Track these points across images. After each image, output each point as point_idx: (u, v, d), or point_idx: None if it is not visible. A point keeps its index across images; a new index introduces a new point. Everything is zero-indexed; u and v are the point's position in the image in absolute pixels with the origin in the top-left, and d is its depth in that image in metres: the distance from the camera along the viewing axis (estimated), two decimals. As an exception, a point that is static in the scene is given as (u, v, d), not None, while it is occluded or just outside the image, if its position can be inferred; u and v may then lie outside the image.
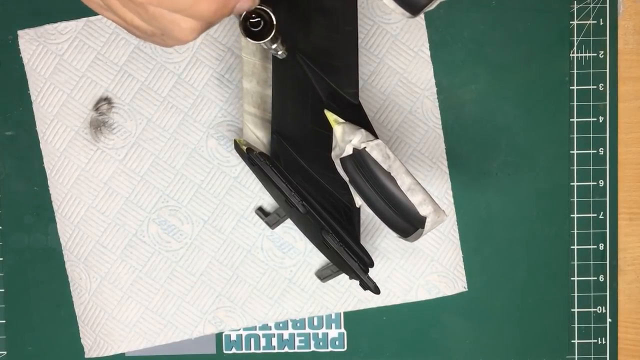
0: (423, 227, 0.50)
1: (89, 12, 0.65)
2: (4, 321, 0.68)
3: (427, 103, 0.66)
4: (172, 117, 0.66)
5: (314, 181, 0.59)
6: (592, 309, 0.69)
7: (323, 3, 0.52)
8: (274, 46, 0.50)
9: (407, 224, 0.51)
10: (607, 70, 0.67)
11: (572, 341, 0.69)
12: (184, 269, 0.67)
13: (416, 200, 0.50)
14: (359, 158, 0.51)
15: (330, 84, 0.54)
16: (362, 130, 0.51)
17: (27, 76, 0.66)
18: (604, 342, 0.69)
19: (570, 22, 0.67)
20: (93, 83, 0.65)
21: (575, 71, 0.67)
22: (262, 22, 0.46)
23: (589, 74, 0.67)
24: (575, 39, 0.67)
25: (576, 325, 0.69)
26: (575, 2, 0.67)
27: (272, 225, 0.66)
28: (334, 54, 0.53)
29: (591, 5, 0.67)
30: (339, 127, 0.52)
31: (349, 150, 0.51)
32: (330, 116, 0.53)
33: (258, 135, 0.62)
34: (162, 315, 0.67)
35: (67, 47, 0.65)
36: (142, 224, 0.67)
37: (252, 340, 0.69)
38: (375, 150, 0.50)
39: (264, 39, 0.46)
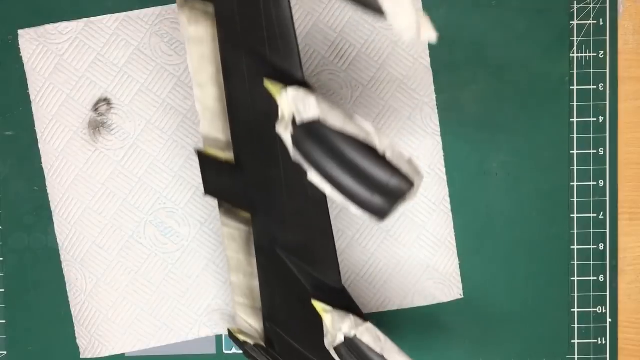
0: None
1: (89, 13, 0.65)
2: (4, 321, 0.68)
3: (426, 110, 0.66)
4: (171, 119, 0.66)
5: None
6: (592, 309, 0.69)
7: (297, 205, 0.53)
8: None
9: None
10: (607, 70, 0.67)
11: (572, 341, 0.69)
12: (180, 271, 0.67)
13: None
14: (351, 344, 0.52)
15: (312, 274, 0.55)
16: (351, 315, 0.52)
17: (26, 76, 0.66)
18: (604, 342, 0.69)
19: (570, 22, 0.67)
20: (92, 84, 0.66)
21: (575, 71, 0.67)
22: None
23: (589, 74, 0.67)
24: (575, 39, 0.67)
25: (576, 325, 0.69)
26: (575, 2, 0.67)
27: None
28: (312, 248, 0.54)
29: (591, 5, 0.67)
30: (327, 316, 0.53)
31: (340, 338, 0.51)
32: (318, 305, 0.54)
33: (251, 324, 0.62)
34: (157, 317, 0.67)
35: (67, 48, 0.65)
36: (139, 225, 0.67)
37: (252, 339, 0.69)
38: (366, 335, 0.51)
39: None
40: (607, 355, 0.69)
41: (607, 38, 0.67)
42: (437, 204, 0.66)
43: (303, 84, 0.49)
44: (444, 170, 0.67)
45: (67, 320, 0.68)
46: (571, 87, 0.67)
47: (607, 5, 0.67)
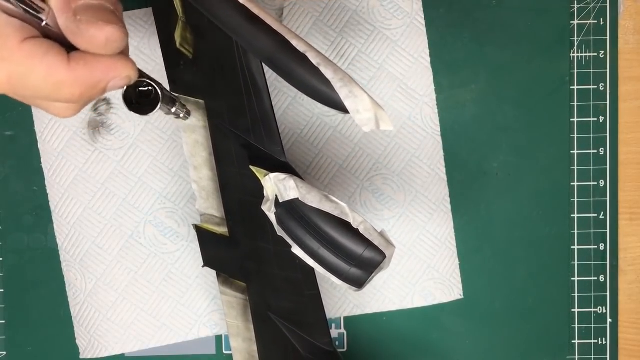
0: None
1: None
2: (3, 321, 0.68)
3: (426, 109, 0.66)
4: (170, 118, 0.65)
5: None
6: (592, 309, 0.68)
7: (287, 274, 0.57)
8: (173, 110, 0.52)
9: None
10: (608, 70, 0.67)
11: (573, 341, 0.69)
12: (180, 271, 0.67)
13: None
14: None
15: (305, 338, 0.59)
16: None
17: (26, 76, 0.66)
18: (604, 342, 0.69)
19: (571, 22, 0.67)
20: (92, 83, 0.65)
21: (575, 71, 0.67)
22: (152, 91, 0.48)
23: (589, 73, 0.67)
24: (575, 38, 0.67)
25: (576, 326, 0.69)
26: (575, 1, 0.67)
27: None
28: (304, 313, 0.58)
29: (591, 5, 0.67)
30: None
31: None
32: None
33: None
34: (157, 317, 0.67)
35: (66, 48, 0.65)
36: (139, 225, 0.67)
37: (252, 340, 0.69)
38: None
39: (155, 108, 0.47)
40: (608, 356, 0.69)
41: (608, 38, 0.67)
42: (437, 204, 0.66)
43: (285, 165, 0.53)
44: (444, 170, 0.66)
45: (67, 320, 0.68)
46: (571, 87, 0.67)
47: (608, 5, 0.67)
